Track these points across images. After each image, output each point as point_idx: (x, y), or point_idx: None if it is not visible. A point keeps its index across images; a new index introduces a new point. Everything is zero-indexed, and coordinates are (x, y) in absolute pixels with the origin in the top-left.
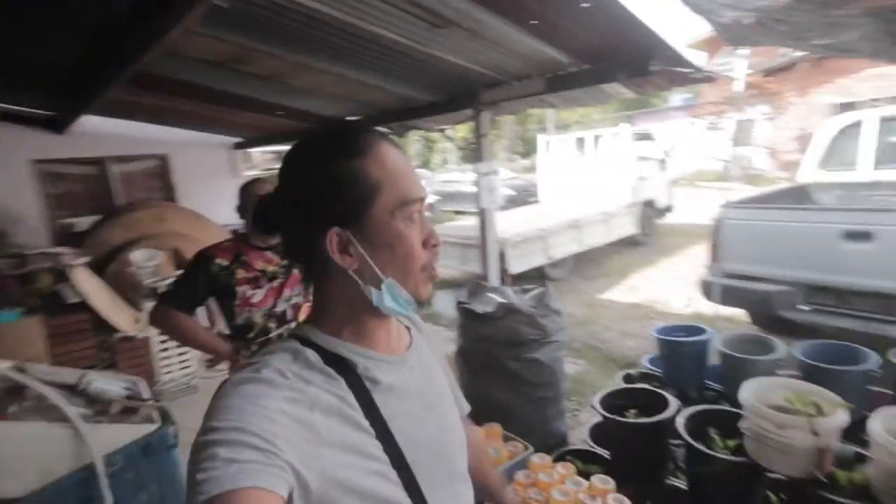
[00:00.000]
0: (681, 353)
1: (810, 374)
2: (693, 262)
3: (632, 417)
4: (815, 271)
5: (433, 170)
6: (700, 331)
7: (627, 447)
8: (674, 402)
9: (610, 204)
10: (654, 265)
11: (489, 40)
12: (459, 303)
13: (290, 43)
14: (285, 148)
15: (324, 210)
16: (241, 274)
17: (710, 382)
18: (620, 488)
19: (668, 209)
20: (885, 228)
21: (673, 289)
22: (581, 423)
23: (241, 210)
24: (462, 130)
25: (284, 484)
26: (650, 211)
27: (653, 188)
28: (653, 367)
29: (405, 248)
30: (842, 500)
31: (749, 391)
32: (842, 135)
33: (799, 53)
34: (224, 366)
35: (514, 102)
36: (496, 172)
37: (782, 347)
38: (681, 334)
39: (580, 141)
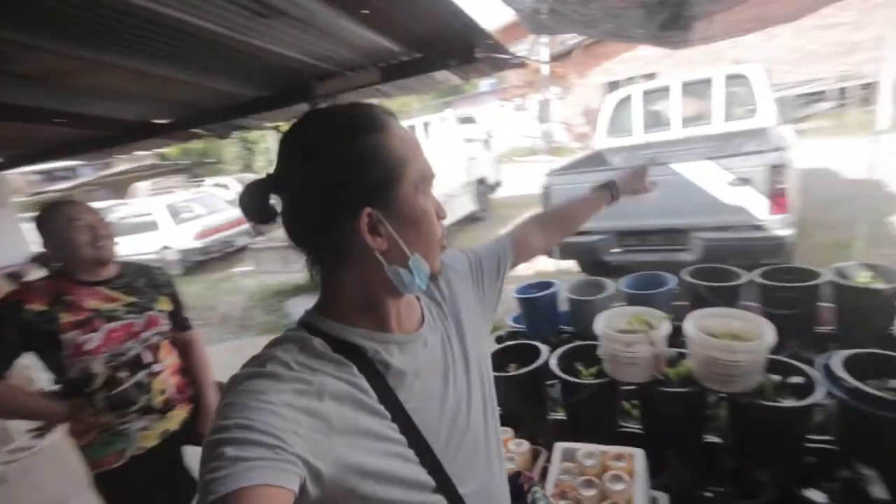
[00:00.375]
0: (538, 307)
1: (634, 301)
2: None
3: (513, 371)
4: (620, 220)
5: (257, 173)
6: (549, 285)
7: (514, 396)
8: (544, 349)
9: (449, 185)
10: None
11: (320, 30)
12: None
13: (72, 35)
14: (69, 163)
15: (351, 190)
16: (66, 318)
17: (564, 327)
18: (517, 433)
19: (498, 184)
20: (662, 178)
21: None
22: None
23: (52, 241)
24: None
25: (295, 478)
26: (483, 188)
27: (482, 167)
28: (516, 325)
29: (429, 223)
30: (675, 389)
31: (601, 323)
32: (619, 107)
33: (574, 41)
34: (58, 433)
35: (349, 94)
36: None
37: (611, 285)
38: (535, 291)
39: (411, 128)
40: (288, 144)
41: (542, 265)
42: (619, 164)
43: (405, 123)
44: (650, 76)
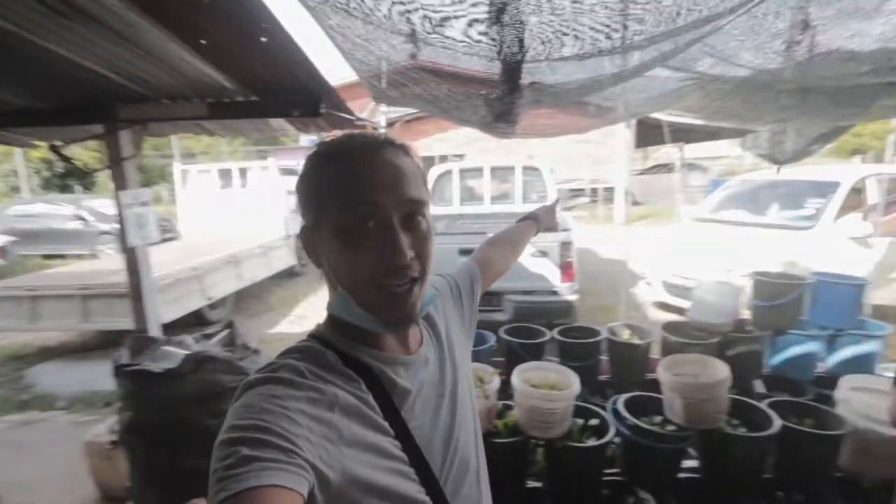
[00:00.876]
0: None
1: None
2: None
3: None
4: None
5: None
6: None
7: None
8: None
9: (266, 237)
10: (317, 293)
11: (137, 47)
12: (121, 366)
13: None
14: None
15: (302, 211)
16: None
17: None
18: None
19: None
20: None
21: None
22: None
23: None
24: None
25: (305, 483)
26: None
27: None
28: None
29: (350, 262)
30: (505, 440)
31: None
32: (440, 180)
33: (397, 114)
34: None
35: (163, 124)
36: (147, 203)
37: None
38: None
39: (225, 173)
40: None
41: None
42: (441, 230)
43: (222, 166)
44: (460, 156)
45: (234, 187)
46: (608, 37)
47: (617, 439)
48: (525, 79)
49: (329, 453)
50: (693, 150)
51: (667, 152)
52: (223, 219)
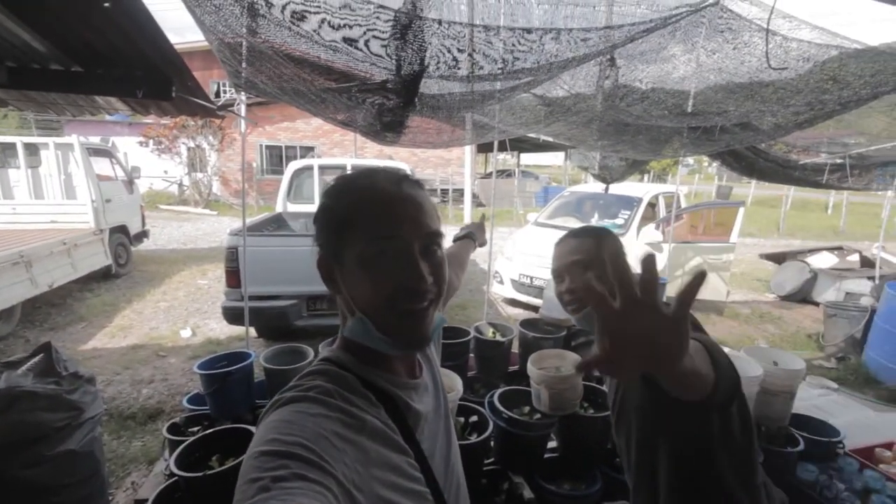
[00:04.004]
0: (231, 382)
1: None
2: (186, 289)
3: (218, 465)
4: (311, 285)
5: None
6: (244, 356)
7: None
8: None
9: (69, 232)
10: (143, 298)
11: None
12: None
13: None
14: None
15: (320, 240)
16: None
17: (259, 401)
18: None
19: (144, 235)
20: None
21: (173, 320)
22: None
23: None
24: None
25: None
26: (123, 238)
27: (122, 212)
28: (197, 407)
29: (368, 287)
30: None
31: None
32: (298, 176)
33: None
34: None
35: None
36: None
37: (311, 351)
38: (225, 364)
39: (7, 148)
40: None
41: (213, 333)
42: (300, 229)
43: None
44: (309, 148)
45: (20, 168)
46: (495, 61)
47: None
48: (422, 92)
49: (360, 476)
50: (525, 159)
51: (503, 159)
52: (5, 208)
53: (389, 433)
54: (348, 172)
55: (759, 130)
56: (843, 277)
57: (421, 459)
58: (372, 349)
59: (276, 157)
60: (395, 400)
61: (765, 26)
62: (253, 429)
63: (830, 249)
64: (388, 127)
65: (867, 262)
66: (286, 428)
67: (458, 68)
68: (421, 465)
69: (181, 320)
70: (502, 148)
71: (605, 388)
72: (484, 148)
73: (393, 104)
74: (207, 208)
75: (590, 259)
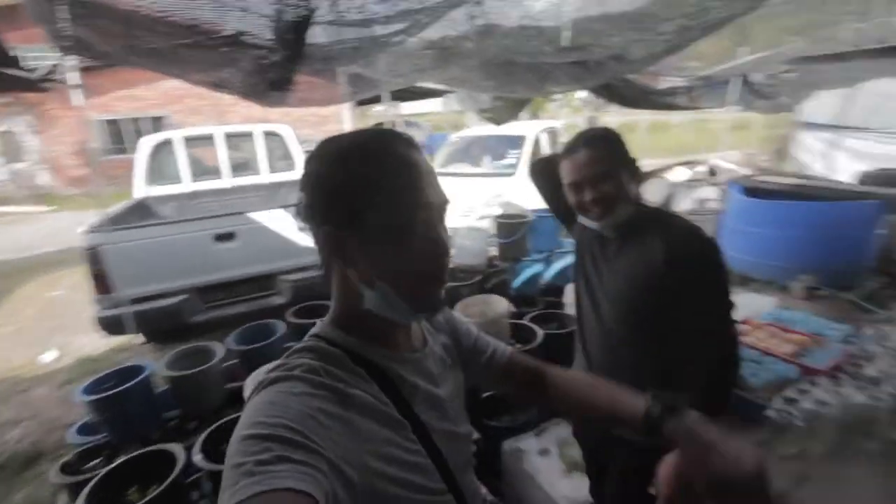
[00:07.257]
0: (128, 402)
1: (250, 356)
2: (35, 305)
3: (137, 497)
4: (203, 275)
5: None
6: (137, 370)
7: None
8: (179, 454)
9: None
10: None
11: None
12: None
13: None
14: None
15: (327, 211)
16: None
17: (167, 413)
18: None
19: None
20: (243, 227)
21: (27, 345)
22: None
23: None
24: None
25: (327, 484)
26: None
27: None
28: (89, 437)
29: (394, 256)
30: None
31: (251, 386)
32: (157, 153)
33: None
34: None
35: None
36: None
37: (219, 347)
38: (113, 384)
39: None
40: (305, 167)
41: (85, 350)
42: (171, 215)
43: None
44: (158, 119)
45: None
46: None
47: None
48: (309, 43)
49: (350, 452)
50: (404, 108)
51: (382, 111)
52: None
53: (381, 407)
54: (334, 136)
55: (632, 61)
56: (695, 188)
57: (421, 432)
58: (368, 323)
59: (117, 134)
60: (388, 373)
61: None
62: (171, 447)
63: (683, 164)
64: (274, 85)
65: (713, 172)
66: (270, 409)
67: (346, 13)
68: (420, 437)
69: (37, 344)
70: (376, 99)
71: (527, 322)
72: (363, 102)
73: (280, 57)
74: (39, 204)
75: (607, 168)
